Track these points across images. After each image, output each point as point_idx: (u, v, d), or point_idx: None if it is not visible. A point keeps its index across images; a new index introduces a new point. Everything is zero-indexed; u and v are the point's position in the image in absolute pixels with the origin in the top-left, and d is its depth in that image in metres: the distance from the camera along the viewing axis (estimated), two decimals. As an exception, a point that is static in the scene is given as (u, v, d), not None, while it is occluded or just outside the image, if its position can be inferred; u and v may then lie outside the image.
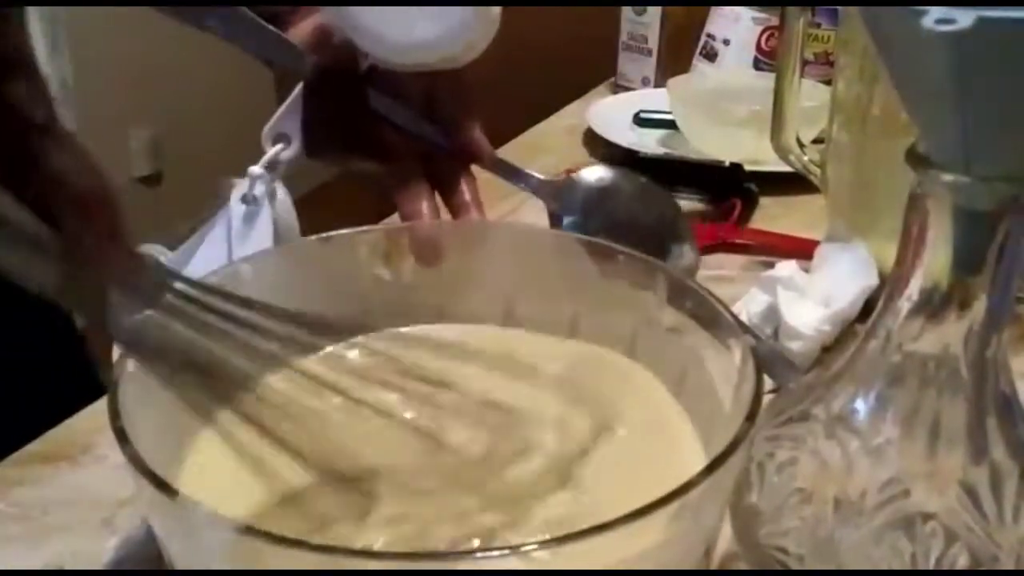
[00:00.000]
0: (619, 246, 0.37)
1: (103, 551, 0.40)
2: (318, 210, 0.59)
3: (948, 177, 0.28)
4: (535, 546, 0.24)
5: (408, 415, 0.34)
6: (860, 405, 0.32)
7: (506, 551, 0.24)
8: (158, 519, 0.27)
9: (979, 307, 0.30)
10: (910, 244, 0.31)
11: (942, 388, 0.31)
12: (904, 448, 0.31)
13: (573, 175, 0.49)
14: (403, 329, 0.40)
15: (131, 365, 0.30)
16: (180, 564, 0.27)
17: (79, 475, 0.45)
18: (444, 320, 0.40)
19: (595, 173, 0.49)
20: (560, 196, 0.49)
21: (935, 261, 0.30)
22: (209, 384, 0.31)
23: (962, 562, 0.30)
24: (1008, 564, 0.30)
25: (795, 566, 0.32)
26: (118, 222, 0.29)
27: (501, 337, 0.40)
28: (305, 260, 0.39)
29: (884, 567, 0.31)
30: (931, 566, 0.30)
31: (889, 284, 0.32)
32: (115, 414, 0.28)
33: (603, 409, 0.35)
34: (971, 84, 0.26)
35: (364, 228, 0.40)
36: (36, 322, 0.48)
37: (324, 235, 0.39)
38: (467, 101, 0.47)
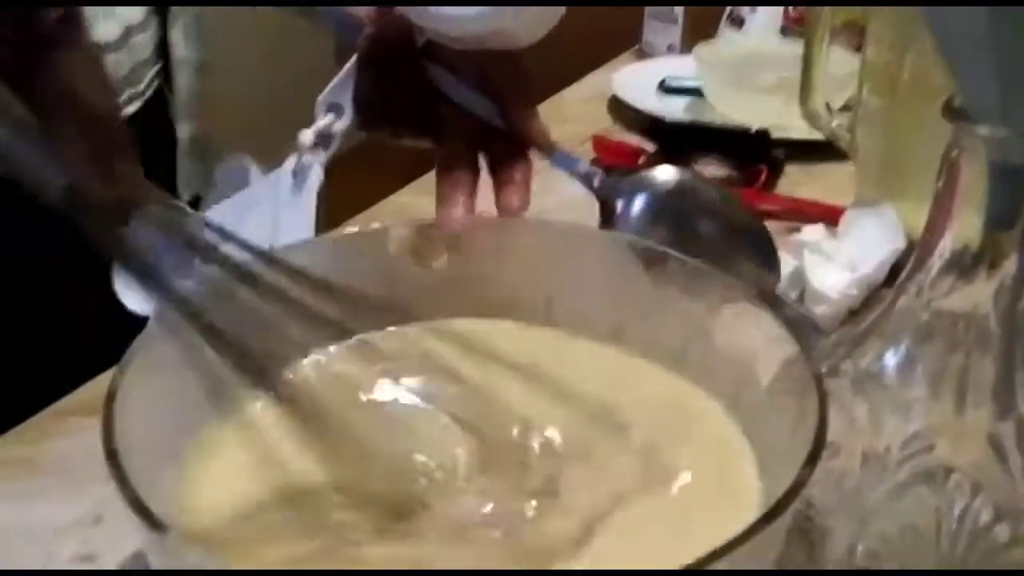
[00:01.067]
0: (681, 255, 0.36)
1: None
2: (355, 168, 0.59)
3: (984, 130, 0.29)
4: None
5: (439, 425, 0.33)
6: (889, 361, 0.32)
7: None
8: (151, 554, 0.27)
9: (1010, 265, 0.30)
10: (943, 202, 0.31)
11: (971, 346, 0.31)
12: (931, 404, 0.32)
13: (642, 173, 0.45)
14: (444, 321, 0.38)
15: (132, 369, 0.30)
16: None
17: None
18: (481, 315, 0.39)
19: (665, 172, 0.45)
20: (622, 195, 0.44)
21: (967, 219, 0.30)
22: (237, 360, 0.29)
23: (985, 515, 0.31)
24: (1031, 517, 0.31)
25: (819, 518, 0.33)
26: (122, 140, 0.28)
27: (540, 340, 0.38)
28: (339, 254, 0.39)
29: (909, 520, 0.31)
30: (955, 519, 0.31)
31: (920, 242, 0.32)
32: (108, 434, 0.27)
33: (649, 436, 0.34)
34: (1008, 32, 0.26)
35: (397, 224, 0.40)
36: (74, 276, 0.49)
37: (354, 231, 0.40)
38: (524, 86, 0.44)
